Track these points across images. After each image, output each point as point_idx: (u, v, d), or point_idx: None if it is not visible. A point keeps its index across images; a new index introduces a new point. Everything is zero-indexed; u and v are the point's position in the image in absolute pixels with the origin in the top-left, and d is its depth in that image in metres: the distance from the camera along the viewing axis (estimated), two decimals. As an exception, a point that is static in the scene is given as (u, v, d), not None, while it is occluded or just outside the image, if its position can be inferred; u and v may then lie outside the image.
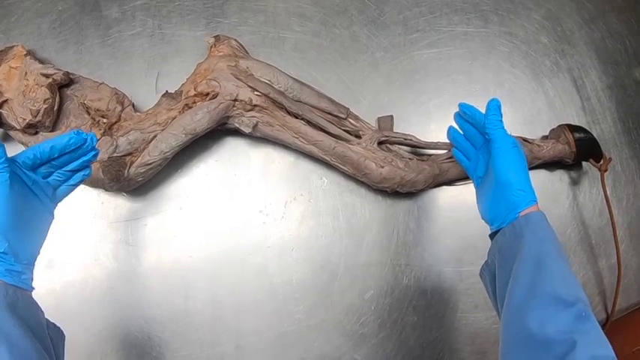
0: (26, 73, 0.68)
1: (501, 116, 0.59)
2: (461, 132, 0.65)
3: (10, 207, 0.47)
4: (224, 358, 0.68)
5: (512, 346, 0.47)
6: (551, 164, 0.77)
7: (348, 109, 0.72)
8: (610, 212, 0.74)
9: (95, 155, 0.55)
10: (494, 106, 0.59)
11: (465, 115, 0.63)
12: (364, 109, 0.76)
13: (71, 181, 0.55)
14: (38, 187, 0.51)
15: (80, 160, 0.54)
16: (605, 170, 0.73)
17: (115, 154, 0.66)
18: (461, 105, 0.63)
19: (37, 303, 0.48)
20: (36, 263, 0.59)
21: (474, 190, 0.76)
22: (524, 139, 0.75)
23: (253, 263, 0.71)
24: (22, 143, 0.68)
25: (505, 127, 0.58)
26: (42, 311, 0.49)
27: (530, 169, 0.75)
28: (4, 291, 0.45)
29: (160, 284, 0.69)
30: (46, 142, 0.51)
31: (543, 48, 0.84)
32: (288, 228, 0.72)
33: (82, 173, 0.55)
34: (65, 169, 0.53)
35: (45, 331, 0.48)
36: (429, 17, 0.83)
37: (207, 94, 0.68)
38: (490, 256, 0.56)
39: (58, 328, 0.51)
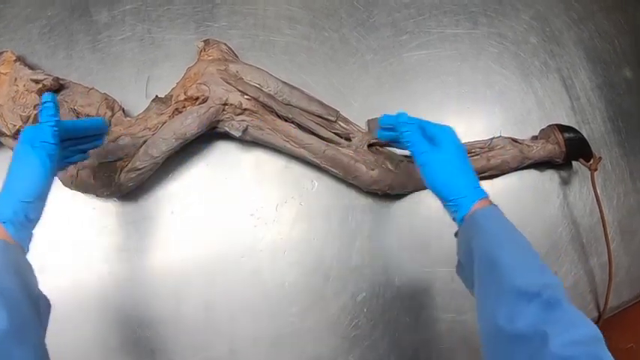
0: (16, 78, 0.68)
1: (412, 130, 0.57)
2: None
3: (50, 177, 0.51)
4: (217, 362, 0.68)
5: (490, 344, 0.46)
6: (541, 164, 0.78)
7: (338, 111, 0.72)
8: (600, 211, 0.74)
9: (101, 143, 0.62)
10: (401, 124, 0.57)
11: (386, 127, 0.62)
12: (354, 111, 0.76)
13: (72, 159, 0.59)
14: (56, 159, 0.54)
15: (91, 144, 0.60)
16: (595, 169, 0.74)
17: (106, 160, 0.66)
18: (384, 118, 0.62)
19: (33, 268, 0.50)
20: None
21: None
22: (514, 140, 0.75)
23: (246, 267, 0.71)
24: (13, 149, 0.68)
25: (420, 137, 0.57)
26: (36, 278, 0.50)
27: (521, 169, 0.77)
28: (15, 253, 0.47)
29: (152, 289, 0.69)
30: (83, 120, 0.60)
31: (532, 48, 0.85)
32: (280, 231, 0.72)
33: (82, 156, 0.60)
34: (78, 147, 0.59)
35: (38, 296, 0.49)
36: (418, 19, 0.84)
37: (197, 98, 0.68)
38: (458, 257, 0.57)
39: (45, 296, 0.51)
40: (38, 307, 0.48)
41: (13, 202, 0.49)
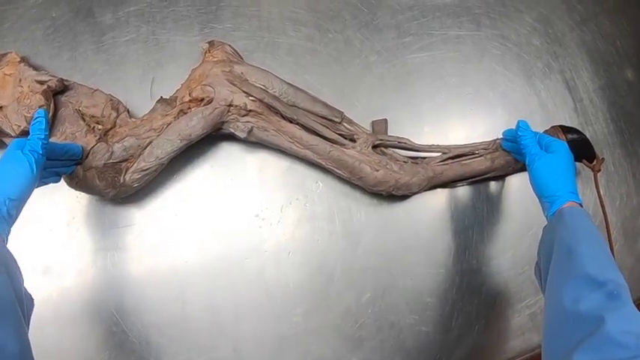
0: (20, 79, 0.68)
1: (528, 136, 0.66)
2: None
3: (34, 183, 0.55)
4: (222, 363, 0.68)
5: (551, 321, 0.51)
6: (544, 165, 0.78)
7: (343, 113, 0.72)
8: (604, 212, 0.74)
9: (73, 169, 0.65)
10: (520, 129, 0.67)
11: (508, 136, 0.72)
12: (358, 112, 0.76)
13: (47, 180, 0.62)
14: (41, 169, 0.58)
15: (65, 168, 0.64)
16: (599, 170, 0.74)
17: (111, 161, 0.66)
18: (506, 131, 0.73)
19: (18, 265, 0.52)
20: (32, 270, 0.69)
21: (466, 192, 0.77)
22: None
23: (250, 267, 0.71)
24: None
25: (534, 142, 0.65)
26: (21, 273, 0.52)
27: (525, 170, 0.76)
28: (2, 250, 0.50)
29: (157, 290, 0.69)
30: (64, 144, 0.63)
31: (535, 50, 0.85)
32: (285, 232, 0.72)
33: (56, 178, 0.64)
34: (54, 169, 0.62)
35: (22, 292, 0.51)
36: (422, 21, 0.84)
37: (202, 99, 0.68)
38: (538, 255, 0.61)
39: (29, 294, 0.53)
40: (22, 301, 0.50)
41: (1, 197, 0.52)
